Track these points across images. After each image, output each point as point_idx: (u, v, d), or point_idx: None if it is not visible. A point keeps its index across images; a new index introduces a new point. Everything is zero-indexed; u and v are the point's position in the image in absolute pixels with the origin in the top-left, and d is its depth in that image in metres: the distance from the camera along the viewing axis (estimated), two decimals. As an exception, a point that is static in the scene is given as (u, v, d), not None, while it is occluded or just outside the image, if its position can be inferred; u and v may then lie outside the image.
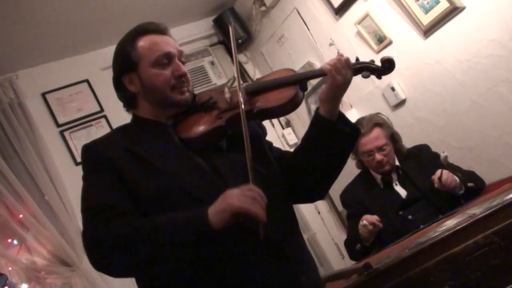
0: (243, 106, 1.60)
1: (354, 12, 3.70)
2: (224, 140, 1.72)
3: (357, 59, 1.72)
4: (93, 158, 1.65)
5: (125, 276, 1.67)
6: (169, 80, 1.67)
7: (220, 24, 4.68)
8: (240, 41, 4.71)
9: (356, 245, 2.93)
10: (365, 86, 3.85)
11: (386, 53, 3.60)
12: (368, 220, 2.78)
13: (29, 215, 3.64)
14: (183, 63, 1.74)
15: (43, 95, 4.13)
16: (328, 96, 1.67)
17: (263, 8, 4.49)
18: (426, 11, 3.20)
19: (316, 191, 1.84)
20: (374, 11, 3.55)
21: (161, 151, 1.63)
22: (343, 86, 1.66)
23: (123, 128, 1.76)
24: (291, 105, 1.67)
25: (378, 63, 1.75)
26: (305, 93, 4.30)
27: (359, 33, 3.70)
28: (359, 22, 3.65)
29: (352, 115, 3.91)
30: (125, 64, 1.71)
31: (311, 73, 1.72)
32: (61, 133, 4.09)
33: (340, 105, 3.57)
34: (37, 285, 3.59)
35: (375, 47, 3.63)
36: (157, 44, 1.70)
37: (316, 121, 1.71)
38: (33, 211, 3.66)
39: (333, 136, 1.68)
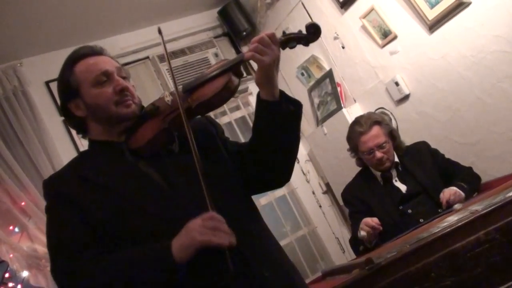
0: (182, 104, 1.62)
1: (359, 6, 3.69)
2: (175, 144, 1.71)
3: (283, 33, 1.69)
4: (50, 195, 1.67)
5: None
6: (111, 97, 1.67)
7: (224, 16, 4.67)
8: (244, 33, 4.69)
9: (359, 247, 2.95)
10: (369, 81, 3.85)
11: (391, 47, 3.59)
12: (368, 224, 2.77)
13: (31, 202, 3.65)
14: (124, 77, 1.74)
15: (47, 83, 4.12)
16: (261, 79, 1.64)
17: (268, 1, 4.48)
18: (432, 5, 3.19)
19: (279, 174, 1.80)
20: (379, 5, 3.54)
21: (113, 172, 1.64)
22: (272, 65, 1.62)
23: (82, 155, 1.79)
24: (227, 93, 1.67)
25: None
26: (309, 86, 4.30)
27: (364, 27, 3.69)
28: (364, 16, 3.65)
29: (356, 110, 3.91)
30: (67, 92, 1.73)
31: (237, 58, 1.69)
32: (64, 122, 4.07)
33: (343, 99, 3.58)
34: (38, 272, 3.61)
35: (380, 42, 3.63)
36: (93, 65, 1.71)
37: (259, 105, 1.69)
38: (35, 199, 3.67)
39: (277, 116, 1.66)
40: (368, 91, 3.90)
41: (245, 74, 4.43)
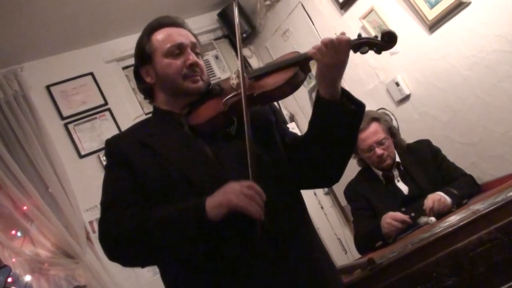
0: (244, 91, 1.64)
1: (359, 7, 3.69)
2: (233, 127, 1.74)
3: (359, 35, 1.67)
4: (110, 153, 1.77)
5: (136, 265, 1.76)
6: (180, 69, 1.74)
7: (224, 18, 4.67)
8: (244, 35, 4.70)
9: (376, 242, 2.78)
10: (370, 81, 3.85)
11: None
12: (397, 218, 2.67)
13: (33, 207, 3.65)
14: (198, 53, 1.80)
15: (48, 87, 4.13)
16: (320, 78, 1.64)
17: (267, 2, 4.48)
18: (432, 6, 3.19)
19: (331, 173, 1.80)
20: (379, 5, 3.54)
21: (170, 141, 1.71)
22: (333, 67, 1.61)
23: (145, 121, 1.89)
24: (289, 87, 1.67)
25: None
26: (309, 88, 4.30)
27: (364, 28, 3.69)
28: (364, 17, 3.65)
29: (356, 110, 3.90)
30: (141, 57, 1.81)
31: (303, 55, 1.67)
32: (66, 125, 4.09)
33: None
34: (40, 276, 3.61)
35: (380, 42, 3.62)
36: (169, 35, 1.78)
37: (316, 101, 1.69)
38: (37, 203, 3.66)
39: (335, 116, 1.65)
40: (368, 91, 3.89)
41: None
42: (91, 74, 4.27)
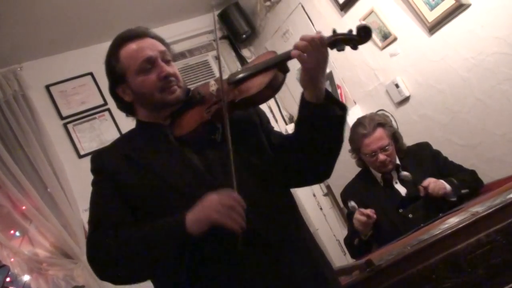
0: (224, 99, 1.64)
1: (359, 8, 3.69)
2: (218, 133, 1.73)
3: (334, 31, 1.63)
4: (95, 170, 1.76)
5: (127, 283, 1.75)
6: (155, 84, 1.71)
7: (224, 19, 4.67)
8: (244, 36, 4.70)
9: (354, 241, 2.93)
10: (369, 83, 3.85)
11: (391, 49, 3.59)
12: (363, 212, 2.77)
13: (32, 207, 3.65)
14: (169, 61, 1.77)
15: (47, 87, 4.13)
16: (306, 80, 1.64)
17: (267, 3, 4.48)
18: (432, 7, 3.19)
19: (318, 171, 1.82)
20: (379, 7, 3.54)
21: (156, 152, 1.70)
22: (318, 67, 1.61)
23: (128, 134, 1.85)
24: (271, 90, 1.66)
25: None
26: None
27: (364, 29, 3.69)
28: (364, 18, 3.64)
29: (356, 112, 3.90)
30: (114, 78, 1.78)
31: (283, 56, 1.66)
32: (65, 125, 4.09)
33: (344, 102, 3.55)
34: (39, 276, 3.61)
35: (380, 44, 3.63)
36: (137, 51, 1.74)
37: (302, 106, 1.69)
38: (36, 203, 3.67)
39: (320, 119, 1.65)
40: (368, 93, 3.90)
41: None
42: (91, 74, 4.26)
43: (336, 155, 1.78)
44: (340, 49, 1.62)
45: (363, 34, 1.59)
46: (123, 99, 1.80)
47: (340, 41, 1.61)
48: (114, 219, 1.64)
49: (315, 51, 1.58)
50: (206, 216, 1.49)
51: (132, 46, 1.75)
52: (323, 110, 1.65)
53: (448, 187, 2.77)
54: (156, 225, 1.57)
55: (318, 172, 1.81)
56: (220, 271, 1.58)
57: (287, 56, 1.64)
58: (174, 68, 1.77)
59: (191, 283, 1.60)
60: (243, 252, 1.54)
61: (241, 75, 1.71)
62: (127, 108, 1.83)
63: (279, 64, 1.66)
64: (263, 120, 1.87)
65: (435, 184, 2.75)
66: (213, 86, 1.73)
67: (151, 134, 1.76)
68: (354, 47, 1.62)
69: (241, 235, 1.49)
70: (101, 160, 1.75)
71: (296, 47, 1.60)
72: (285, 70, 1.69)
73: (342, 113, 1.69)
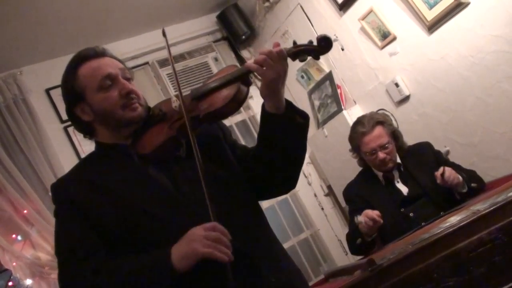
0: (187, 114, 1.61)
1: (358, 8, 3.69)
2: (182, 149, 1.71)
3: (294, 43, 1.64)
4: (58, 200, 1.68)
5: None
6: (117, 101, 1.66)
7: (223, 20, 4.68)
8: (243, 37, 4.71)
9: (356, 239, 2.91)
10: (369, 82, 3.85)
11: (390, 48, 3.60)
12: (368, 215, 2.74)
13: (34, 210, 3.65)
14: (129, 79, 1.73)
15: (47, 91, 4.13)
16: (266, 92, 1.62)
17: (266, 4, 4.49)
18: (431, 6, 3.19)
19: (283, 182, 1.80)
20: (378, 6, 3.54)
21: (123, 176, 1.65)
22: (278, 79, 1.59)
23: (89, 158, 1.79)
24: (235, 104, 1.65)
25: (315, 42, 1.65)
26: (309, 89, 4.30)
27: (363, 29, 3.70)
28: (363, 18, 3.65)
29: (356, 111, 3.91)
30: (72, 96, 1.72)
31: (242, 70, 1.65)
32: (65, 129, 4.09)
33: (344, 101, 3.56)
34: (41, 280, 3.61)
35: (379, 43, 3.63)
36: (96, 69, 1.69)
37: (263, 117, 1.68)
38: (37, 206, 3.67)
39: (281, 128, 1.65)
40: (368, 92, 3.90)
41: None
42: (90, 77, 4.26)
43: (300, 164, 1.78)
44: (302, 59, 1.64)
45: (323, 44, 1.60)
46: (81, 119, 1.72)
47: (301, 52, 1.62)
48: (87, 249, 1.55)
49: (274, 63, 1.57)
50: (193, 250, 1.44)
51: (92, 64, 1.70)
52: (284, 120, 1.64)
53: (460, 177, 2.77)
54: (140, 258, 1.51)
55: (283, 182, 1.80)
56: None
57: (247, 70, 1.63)
58: (134, 86, 1.73)
59: None
60: (236, 285, 1.50)
61: (204, 90, 1.69)
62: (86, 128, 1.75)
63: (241, 77, 1.65)
64: (226, 134, 1.85)
65: (451, 172, 2.74)
66: (175, 102, 1.70)
67: (113, 156, 1.70)
68: (316, 57, 1.64)
69: (231, 265, 1.45)
70: (64, 189, 1.66)
71: (255, 61, 1.60)
72: (248, 83, 1.68)
73: (304, 121, 1.69)
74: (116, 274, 1.51)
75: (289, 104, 1.67)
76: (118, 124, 1.69)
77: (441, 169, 2.76)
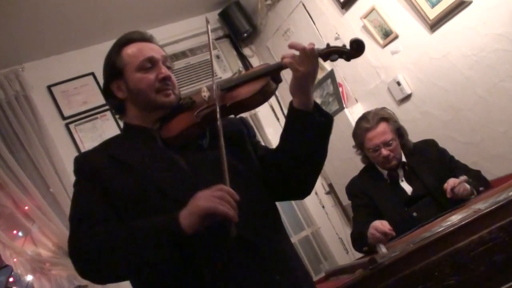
0: (217, 102, 1.65)
1: (360, 6, 3.69)
2: (205, 139, 1.75)
3: (327, 45, 1.68)
4: (78, 170, 1.73)
5: (110, 281, 1.73)
6: (153, 83, 1.72)
7: (225, 18, 4.68)
8: (245, 35, 4.71)
9: (363, 246, 2.77)
10: (371, 81, 3.85)
11: (392, 47, 3.59)
12: (379, 229, 2.56)
13: (35, 207, 3.66)
14: (169, 67, 1.79)
15: (49, 87, 4.13)
16: (295, 89, 1.66)
17: (268, 2, 4.49)
18: (433, 5, 3.19)
19: (300, 186, 1.82)
20: (380, 5, 3.53)
21: (142, 153, 1.69)
22: (309, 76, 1.63)
23: (114, 138, 1.84)
24: (262, 96, 1.69)
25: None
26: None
27: (365, 27, 3.69)
28: (365, 16, 3.64)
29: (357, 110, 3.90)
30: (111, 72, 1.78)
31: (275, 65, 1.69)
32: (67, 125, 4.10)
33: (345, 100, 3.56)
34: (42, 276, 3.61)
35: (381, 41, 3.63)
36: (140, 50, 1.76)
37: (291, 114, 1.70)
38: (38, 203, 3.67)
39: (308, 127, 1.66)
40: (370, 91, 3.89)
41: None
42: (92, 74, 4.26)
43: (318, 169, 1.80)
44: (333, 59, 1.66)
45: (355, 47, 1.64)
46: (116, 96, 1.78)
47: (333, 52, 1.66)
48: (99, 216, 1.60)
49: (307, 59, 1.60)
50: (197, 207, 1.46)
51: (137, 45, 1.77)
52: (311, 117, 1.66)
53: (467, 186, 2.69)
54: (149, 221, 1.54)
55: (300, 187, 1.82)
56: (208, 276, 1.56)
57: (280, 65, 1.66)
58: (172, 75, 1.78)
59: (176, 283, 1.58)
60: (232, 257, 1.54)
61: (233, 81, 1.74)
62: (118, 105, 1.81)
63: (272, 72, 1.69)
64: (250, 133, 1.88)
65: (461, 186, 2.66)
66: (205, 92, 1.74)
67: (138, 137, 1.75)
68: (347, 59, 1.67)
69: (235, 224, 1.45)
70: (84, 161, 1.72)
71: (288, 55, 1.63)
72: (278, 79, 1.72)
73: (329, 123, 1.71)
74: (123, 231, 1.55)
75: (316, 104, 1.69)
76: (148, 106, 1.74)
77: (451, 182, 2.67)
